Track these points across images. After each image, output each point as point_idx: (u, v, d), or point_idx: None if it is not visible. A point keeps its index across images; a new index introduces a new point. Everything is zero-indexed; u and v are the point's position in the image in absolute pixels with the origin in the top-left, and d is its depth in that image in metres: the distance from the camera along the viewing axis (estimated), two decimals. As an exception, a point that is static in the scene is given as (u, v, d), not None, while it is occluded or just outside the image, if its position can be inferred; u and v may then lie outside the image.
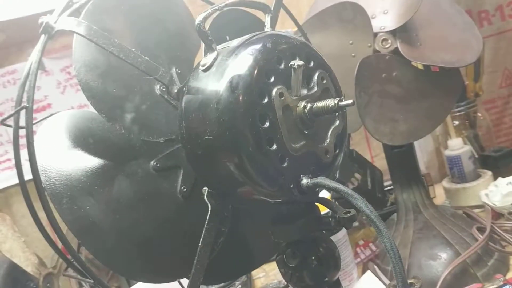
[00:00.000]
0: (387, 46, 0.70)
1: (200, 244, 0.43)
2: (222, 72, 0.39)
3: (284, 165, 0.40)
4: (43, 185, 0.41)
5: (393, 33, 0.70)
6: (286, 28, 0.74)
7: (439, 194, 1.08)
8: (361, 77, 0.67)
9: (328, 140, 0.44)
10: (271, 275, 0.95)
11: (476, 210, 0.87)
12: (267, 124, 0.39)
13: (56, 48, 1.10)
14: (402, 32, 0.70)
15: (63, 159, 0.44)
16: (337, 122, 0.45)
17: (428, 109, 0.72)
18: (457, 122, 1.04)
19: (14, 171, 1.18)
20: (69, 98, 1.13)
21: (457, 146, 0.97)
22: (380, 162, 1.09)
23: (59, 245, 0.44)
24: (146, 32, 0.50)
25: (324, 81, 0.44)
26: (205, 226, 0.43)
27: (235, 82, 0.38)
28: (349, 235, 0.80)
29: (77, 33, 0.40)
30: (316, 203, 0.47)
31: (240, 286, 0.91)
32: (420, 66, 0.73)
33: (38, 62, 0.38)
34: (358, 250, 0.82)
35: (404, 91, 0.70)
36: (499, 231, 0.76)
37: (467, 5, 1.12)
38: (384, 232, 0.36)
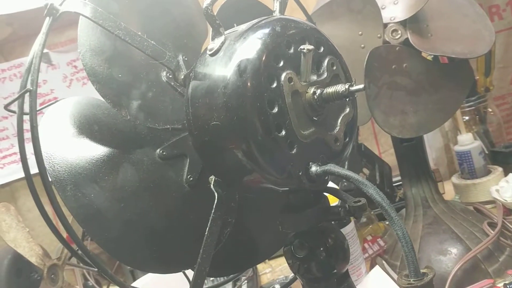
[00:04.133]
0: (397, 37, 0.69)
1: (206, 233, 0.42)
2: (230, 56, 0.39)
3: (293, 152, 0.39)
4: (47, 172, 0.40)
5: (403, 23, 0.69)
6: (294, 19, 0.73)
7: (448, 190, 1.06)
8: (371, 68, 0.66)
9: (337, 127, 0.43)
10: (277, 270, 0.94)
11: (486, 206, 0.86)
12: (275, 110, 0.38)
13: (63, 41, 1.10)
14: (413, 22, 0.68)
15: (67, 146, 0.44)
16: (347, 110, 0.44)
17: (438, 102, 0.70)
18: (467, 118, 1.03)
19: (20, 165, 1.17)
20: (76, 92, 1.13)
21: (467, 141, 0.96)
22: (389, 158, 1.08)
23: (63, 234, 0.43)
24: (153, 20, 0.49)
25: (334, 67, 0.43)
26: (212, 215, 0.42)
27: (243, 66, 0.37)
28: (357, 230, 0.79)
29: (82, 14, 0.39)
30: (325, 194, 0.46)
31: (246, 281, 0.90)
32: (429, 58, 0.72)
33: (43, 44, 0.38)
34: (366, 245, 0.80)
35: (414, 83, 0.69)
36: (511, 227, 0.74)
37: (478, 0, 1.11)
38: (396, 220, 0.35)
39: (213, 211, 0.42)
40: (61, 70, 1.12)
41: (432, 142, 1.17)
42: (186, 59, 0.48)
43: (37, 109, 0.41)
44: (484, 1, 1.13)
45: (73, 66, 1.12)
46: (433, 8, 0.69)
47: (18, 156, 1.20)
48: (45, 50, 1.12)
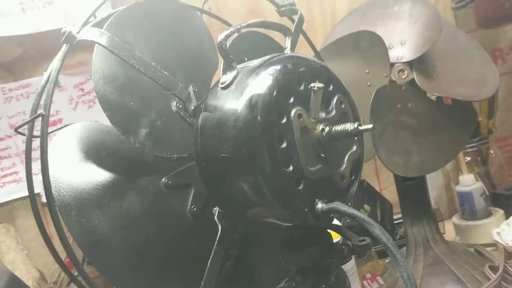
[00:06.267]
0: (403, 77, 0.70)
1: (208, 265, 0.41)
2: (241, 91, 0.39)
3: (300, 187, 0.39)
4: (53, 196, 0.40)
5: (410, 64, 0.70)
6: (302, 55, 0.74)
7: (448, 230, 1.05)
8: (376, 106, 0.66)
9: (344, 165, 0.43)
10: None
11: (487, 249, 0.85)
12: (284, 145, 0.38)
13: (72, 64, 1.11)
14: (419, 63, 0.70)
15: (74, 171, 0.44)
16: (354, 148, 0.44)
17: (442, 143, 0.71)
18: (469, 158, 1.03)
19: (20, 184, 1.16)
20: (81, 115, 1.13)
21: (469, 182, 0.96)
22: (389, 195, 1.08)
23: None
24: (166, 49, 0.50)
25: (343, 106, 0.44)
26: (214, 247, 0.42)
27: (254, 100, 0.38)
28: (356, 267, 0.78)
29: (99, 43, 0.40)
30: (329, 231, 0.46)
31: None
32: (433, 98, 0.73)
33: (58, 70, 0.38)
34: (365, 283, 0.80)
35: (419, 123, 0.70)
36: (512, 271, 0.74)
37: (482, 43, 1.12)
38: (401, 262, 0.35)
39: (216, 243, 0.42)
40: (68, 92, 1.13)
41: (433, 182, 1.17)
42: (196, 90, 0.49)
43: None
44: (488, 44, 1.14)
45: (80, 89, 1.13)
46: (440, 50, 0.70)
47: (19, 175, 1.20)
48: (54, 72, 1.13)
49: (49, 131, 0.46)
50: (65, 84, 1.12)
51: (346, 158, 0.43)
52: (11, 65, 1.11)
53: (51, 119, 1.13)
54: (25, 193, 0.39)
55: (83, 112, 1.14)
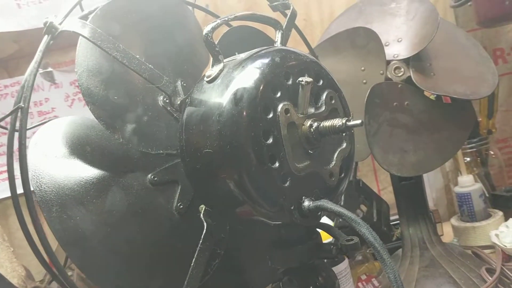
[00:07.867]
0: (399, 75, 0.68)
1: (192, 264, 0.40)
2: (227, 84, 0.38)
3: (286, 184, 0.38)
4: (34, 191, 0.39)
5: (407, 61, 0.69)
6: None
7: (446, 232, 1.04)
8: (372, 104, 0.65)
9: (333, 162, 0.42)
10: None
11: (485, 251, 0.83)
12: (270, 140, 0.37)
13: (67, 61, 1.10)
14: (416, 61, 0.68)
15: (57, 165, 0.43)
16: (344, 145, 0.43)
17: (439, 142, 0.70)
18: (468, 159, 1.02)
19: (16, 182, 1.16)
20: (77, 112, 1.12)
21: (468, 183, 0.94)
22: (388, 196, 1.06)
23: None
24: (154, 43, 0.49)
25: (333, 101, 0.43)
26: (199, 245, 0.41)
27: (239, 94, 0.37)
28: (351, 269, 0.77)
29: (80, 34, 0.39)
30: (318, 230, 0.45)
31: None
32: (432, 97, 0.72)
33: (39, 62, 0.37)
34: (360, 284, 0.78)
35: (415, 122, 0.68)
36: (510, 274, 0.72)
37: (483, 42, 1.11)
38: (388, 262, 0.34)
39: (201, 241, 0.41)
40: (63, 89, 1.12)
41: (433, 182, 1.16)
42: (184, 84, 0.47)
43: (29, 127, 0.41)
44: (488, 44, 1.13)
45: (76, 86, 1.12)
46: (437, 47, 0.69)
47: (14, 173, 1.19)
48: (50, 69, 1.12)
49: (30, 126, 0.46)
50: (60, 81, 1.12)
51: (335, 155, 0.42)
52: (6, 61, 1.10)
53: (47, 116, 1.12)
54: (19, 190, 0.38)
55: (79, 109, 1.13)
